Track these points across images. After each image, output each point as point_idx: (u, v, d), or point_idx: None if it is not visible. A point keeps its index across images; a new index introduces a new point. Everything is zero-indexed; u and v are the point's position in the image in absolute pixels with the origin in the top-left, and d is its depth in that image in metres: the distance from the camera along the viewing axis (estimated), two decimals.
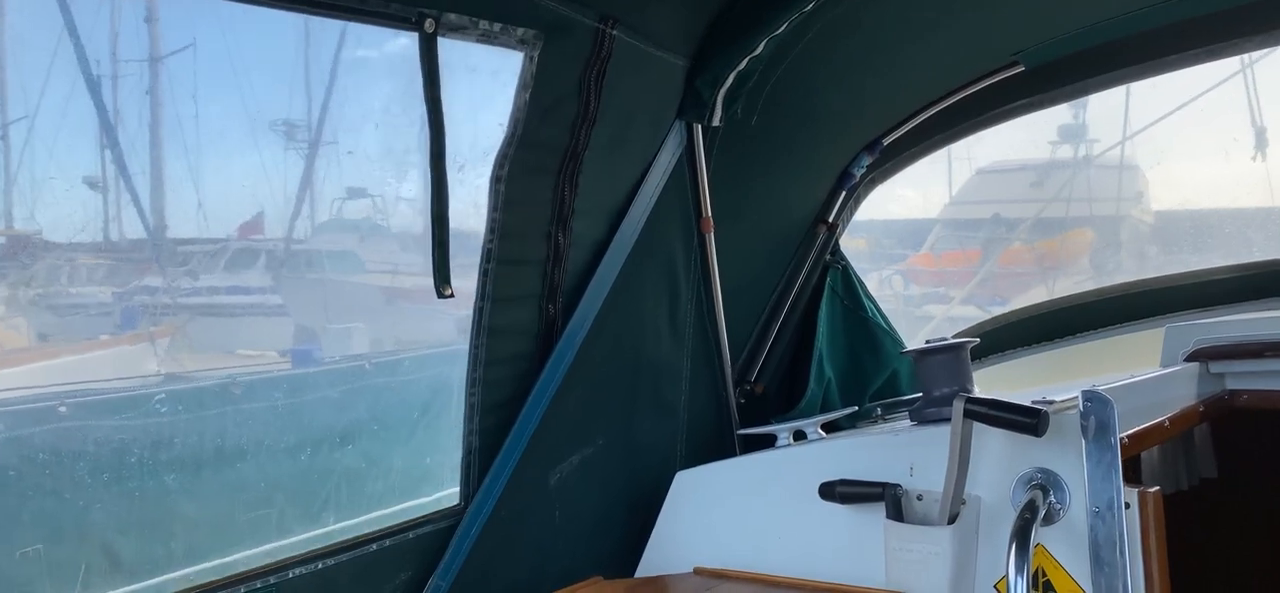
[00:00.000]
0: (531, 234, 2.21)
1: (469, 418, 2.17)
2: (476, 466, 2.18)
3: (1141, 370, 2.42)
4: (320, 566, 1.93)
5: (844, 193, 3.11)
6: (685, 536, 2.34)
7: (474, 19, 1.94)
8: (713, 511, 2.33)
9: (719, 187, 2.63)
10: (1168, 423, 2.15)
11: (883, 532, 2.02)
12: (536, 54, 2.06)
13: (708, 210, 2.63)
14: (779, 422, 2.52)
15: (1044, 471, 1.90)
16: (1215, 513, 2.53)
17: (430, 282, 2.03)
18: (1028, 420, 1.85)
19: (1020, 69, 2.83)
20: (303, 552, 1.93)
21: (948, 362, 2.22)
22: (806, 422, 2.47)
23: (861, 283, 3.18)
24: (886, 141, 3.07)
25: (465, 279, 2.10)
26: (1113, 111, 14.04)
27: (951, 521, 1.93)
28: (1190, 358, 2.48)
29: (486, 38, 2.00)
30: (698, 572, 2.26)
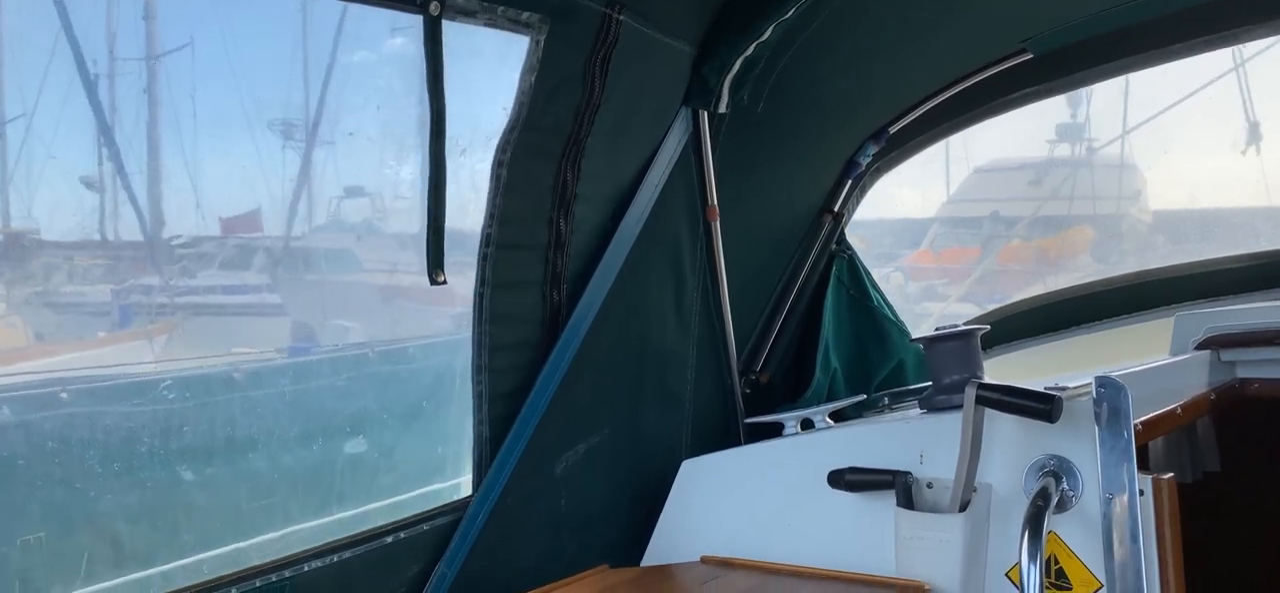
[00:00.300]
0: (532, 219, 2.19)
1: (477, 407, 2.15)
2: (487, 455, 2.16)
3: (1152, 359, 2.40)
4: (334, 559, 1.92)
5: (850, 182, 3.10)
6: (692, 524, 2.32)
7: (480, 1, 1.92)
8: (720, 499, 2.31)
9: (725, 175, 2.61)
10: (1180, 411, 2.14)
11: (892, 520, 2.01)
12: (542, 38, 2.03)
13: (713, 198, 2.61)
14: (786, 411, 2.50)
15: (1057, 457, 1.88)
16: (1220, 505, 2.51)
17: (428, 281, 2.01)
18: (1041, 407, 1.83)
19: (1027, 57, 2.81)
20: (317, 545, 1.92)
21: (958, 349, 2.21)
22: (814, 410, 2.45)
23: (867, 273, 3.17)
24: (893, 130, 3.05)
25: (463, 272, 2.08)
26: (1111, 107, 14.04)
27: (963, 508, 1.92)
28: (1201, 346, 2.46)
29: (492, 21, 1.97)
30: (705, 560, 2.24)
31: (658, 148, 2.47)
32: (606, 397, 2.39)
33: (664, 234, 2.51)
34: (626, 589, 2.05)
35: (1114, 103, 13.80)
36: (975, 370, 2.18)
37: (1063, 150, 16.02)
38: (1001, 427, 1.94)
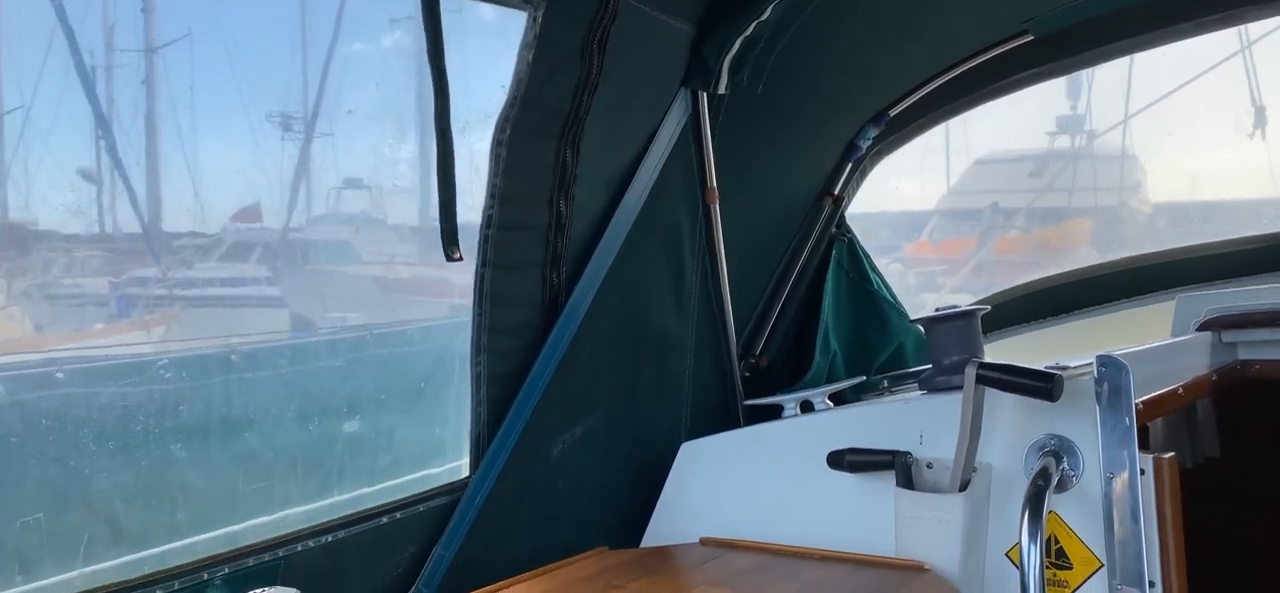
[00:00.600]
0: (533, 200, 2.17)
1: (476, 388, 2.14)
2: (485, 436, 2.15)
3: (1153, 340, 2.39)
4: (329, 539, 1.91)
5: (850, 165, 3.08)
6: (691, 506, 2.31)
7: None
8: (719, 481, 2.30)
9: (724, 157, 2.59)
10: (1181, 391, 2.13)
11: (892, 500, 2.00)
12: (540, 14, 2.02)
13: (713, 181, 2.59)
14: (785, 393, 2.49)
15: (1057, 437, 1.87)
16: (1221, 490, 2.50)
17: (427, 271, 2.00)
18: (1042, 386, 1.82)
19: (1028, 38, 2.79)
20: (312, 525, 1.91)
21: (959, 330, 2.20)
22: (813, 392, 2.44)
23: (867, 256, 3.15)
24: (893, 113, 3.04)
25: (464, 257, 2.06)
26: (1113, 93, 14.00)
27: (963, 488, 1.91)
28: (1202, 327, 2.45)
29: None
30: (704, 542, 2.23)
31: (657, 129, 2.45)
32: (605, 379, 2.38)
33: (663, 217, 2.49)
34: (625, 570, 2.04)
35: (1116, 89, 13.76)
36: (976, 351, 2.17)
37: (1063, 142, 16.01)
38: (1002, 407, 1.93)
